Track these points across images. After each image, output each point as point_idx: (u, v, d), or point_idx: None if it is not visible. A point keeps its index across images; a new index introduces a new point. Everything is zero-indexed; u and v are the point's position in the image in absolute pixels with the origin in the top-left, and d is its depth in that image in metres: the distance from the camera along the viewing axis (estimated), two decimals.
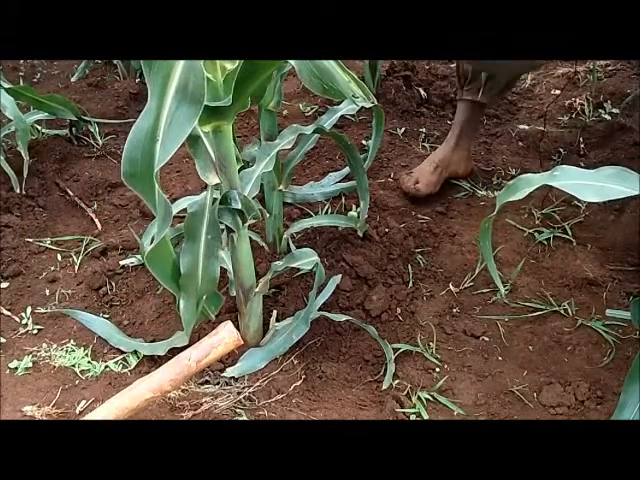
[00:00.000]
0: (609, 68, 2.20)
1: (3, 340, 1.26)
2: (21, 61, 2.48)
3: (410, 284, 1.38)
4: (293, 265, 1.18)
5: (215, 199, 1.04)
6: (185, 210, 1.08)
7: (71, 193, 1.70)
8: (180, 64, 0.77)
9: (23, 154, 1.64)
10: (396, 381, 1.16)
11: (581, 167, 1.72)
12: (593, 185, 0.77)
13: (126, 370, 1.20)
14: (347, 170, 1.66)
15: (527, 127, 1.93)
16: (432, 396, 1.14)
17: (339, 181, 1.66)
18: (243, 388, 1.14)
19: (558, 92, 2.09)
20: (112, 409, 0.98)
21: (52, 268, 1.47)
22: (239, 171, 1.07)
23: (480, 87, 1.57)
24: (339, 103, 1.43)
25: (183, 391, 1.13)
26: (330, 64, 0.84)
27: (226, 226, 1.04)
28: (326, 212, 1.59)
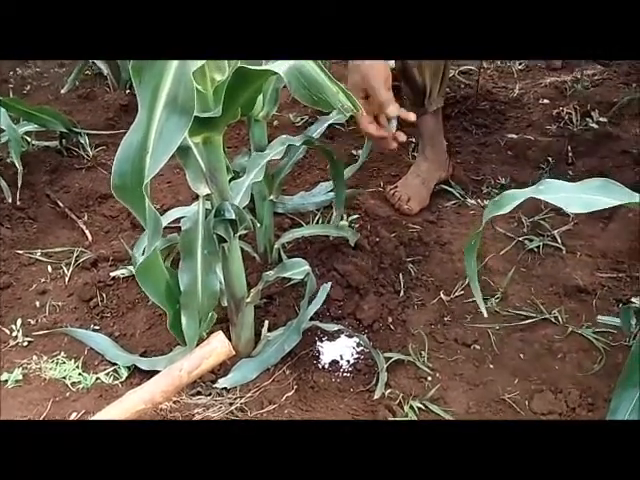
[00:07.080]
0: (596, 77, 2.22)
1: None
2: (10, 73, 2.48)
3: (401, 293, 1.39)
4: (284, 275, 1.18)
5: (208, 211, 1.04)
6: (176, 221, 1.08)
7: (61, 204, 1.70)
8: (170, 75, 0.77)
9: (17, 164, 1.63)
10: (388, 390, 1.16)
11: (569, 175, 1.73)
12: (579, 197, 0.78)
13: (117, 382, 1.20)
14: None
15: (516, 136, 1.93)
16: (424, 405, 1.14)
17: (330, 191, 1.66)
18: (235, 399, 1.14)
19: (546, 101, 2.10)
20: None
21: (42, 280, 1.46)
22: (229, 181, 1.07)
23: (424, 97, 1.55)
24: (329, 113, 1.44)
25: (175, 402, 1.13)
26: (319, 75, 0.85)
27: (217, 236, 1.04)
28: (317, 222, 1.59)
